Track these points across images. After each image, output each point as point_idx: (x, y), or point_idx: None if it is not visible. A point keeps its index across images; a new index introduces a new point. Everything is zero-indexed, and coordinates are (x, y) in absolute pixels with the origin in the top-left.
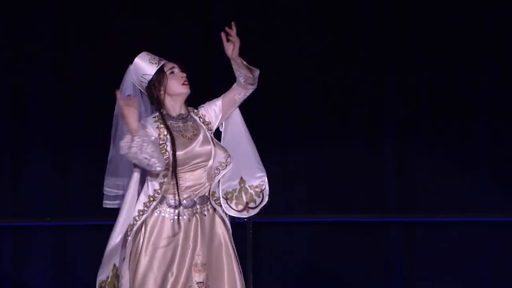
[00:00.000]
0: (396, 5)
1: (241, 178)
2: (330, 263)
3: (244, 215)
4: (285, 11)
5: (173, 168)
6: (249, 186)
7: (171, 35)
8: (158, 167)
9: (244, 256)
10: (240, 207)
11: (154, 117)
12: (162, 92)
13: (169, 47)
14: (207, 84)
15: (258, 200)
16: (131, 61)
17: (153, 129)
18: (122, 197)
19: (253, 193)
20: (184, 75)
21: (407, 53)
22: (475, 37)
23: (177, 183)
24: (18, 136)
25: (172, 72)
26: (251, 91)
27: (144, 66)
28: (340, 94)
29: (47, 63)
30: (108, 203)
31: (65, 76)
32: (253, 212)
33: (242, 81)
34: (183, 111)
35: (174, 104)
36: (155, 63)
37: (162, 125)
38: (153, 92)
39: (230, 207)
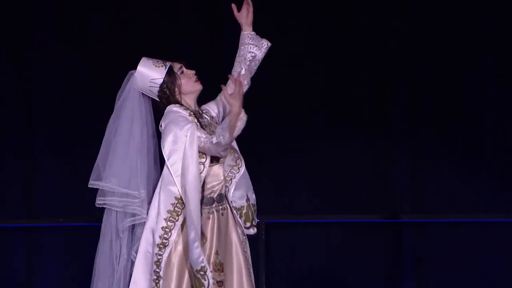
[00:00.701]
0: (396, 5)
1: (247, 197)
2: (330, 263)
3: (251, 232)
4: (285, 11)
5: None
6: (252, 204)
7: (172, 34)
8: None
9: (256, 257)
10: (248, 224)
11: (180, 105)
12: (177, 93)
13: (170, 47)
14: (214, 84)
15: (256, 219)
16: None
17: (188, 116)
18: (120, 195)
19: (254, 212)
20: (194, 71)
21: (407, 53)
22: (475, 37)
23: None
24: (18, 136)
25: (182, 72)
26: (246, 87)
27: (150, 71)
28: (340, 94)
29: (47, 63)
30: (101, 199)
31: (65, 76)
32: (254, 230)
33: (248, 60)
34: (197, 108)
35: (190, 102)
36: (162, 66)
37: (192, 114)
38: (168, 94)
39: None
